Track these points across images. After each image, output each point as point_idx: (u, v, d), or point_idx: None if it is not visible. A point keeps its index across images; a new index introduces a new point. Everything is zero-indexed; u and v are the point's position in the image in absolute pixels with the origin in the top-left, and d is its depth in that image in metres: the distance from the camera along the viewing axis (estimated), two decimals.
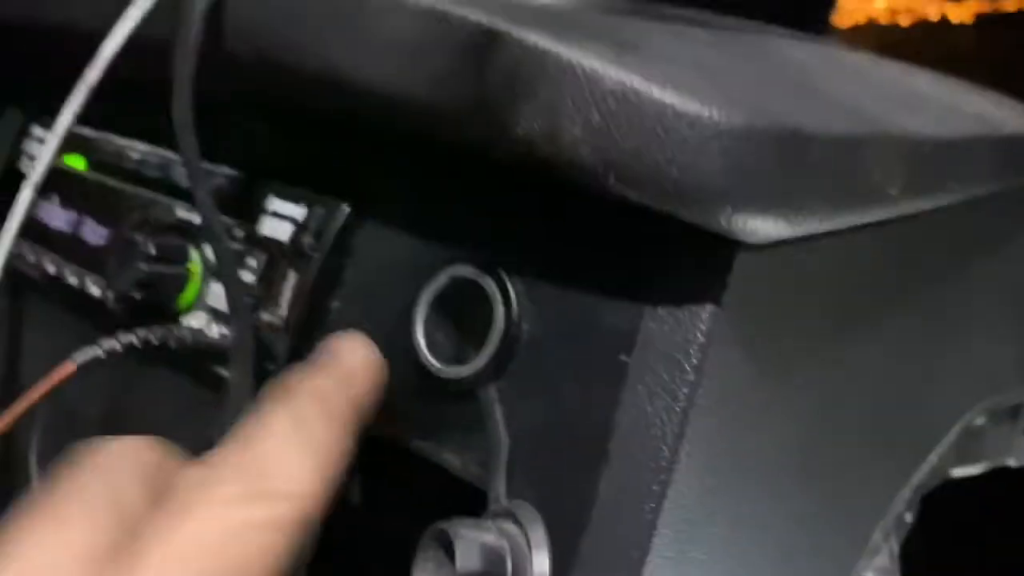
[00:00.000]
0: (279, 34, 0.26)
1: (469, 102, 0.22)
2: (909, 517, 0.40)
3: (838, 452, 0.30)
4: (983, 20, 1.52)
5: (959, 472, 0.44)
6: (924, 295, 0.33)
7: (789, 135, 0.20)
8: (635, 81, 0.20)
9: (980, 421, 0.42)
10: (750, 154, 0.20)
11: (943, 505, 0.43)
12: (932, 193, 0.27)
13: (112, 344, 0.28)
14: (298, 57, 0.26)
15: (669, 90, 0.20)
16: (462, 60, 0.22)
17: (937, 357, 0.35)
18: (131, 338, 0.28)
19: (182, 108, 0.27)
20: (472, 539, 0.21)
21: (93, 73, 0.29)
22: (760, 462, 0.26)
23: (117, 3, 0.28)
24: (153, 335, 0.28)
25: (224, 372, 0.30)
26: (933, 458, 0.38)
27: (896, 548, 0.38)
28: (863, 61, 0.37)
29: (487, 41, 0.22)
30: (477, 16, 0.22)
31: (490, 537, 0.22)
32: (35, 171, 0.31)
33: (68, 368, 0.27)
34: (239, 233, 0.31)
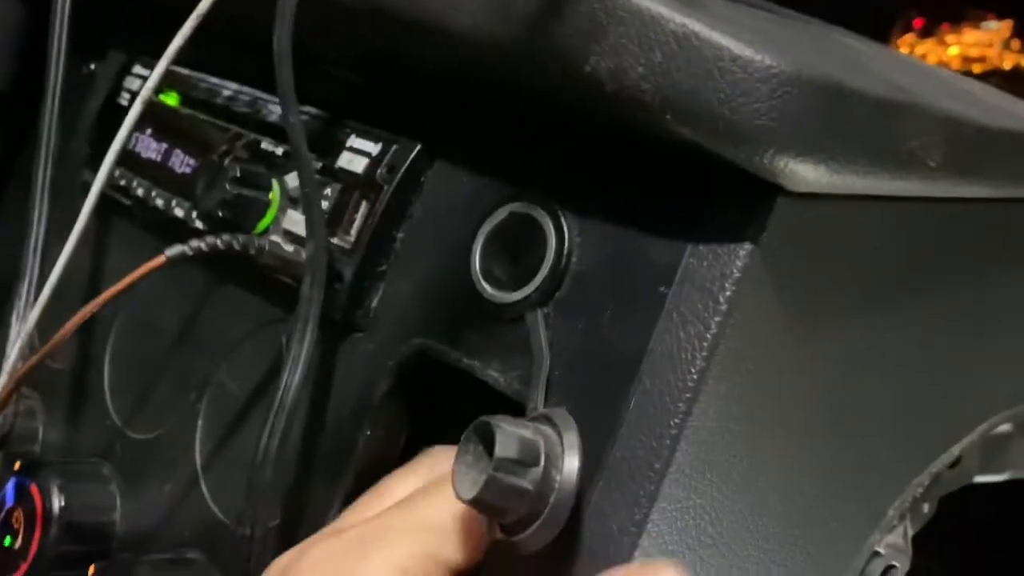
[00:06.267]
0: None
1: (544, 43, 0.25)
2: (927, 508, 0.41)
3: (859, 420, 0.31)
4: None
5: (982, 479, 0.44)
6: (958, 287, 0.34)
7: (833, 88, 0.22)
8: (696, 25, 0.22)
9: (1006, 429, 0.43)
10: (795, 100, 0.22)
11: (964, 510, 0.44)
12: (971, 175, 0.29)
13: (199, 244, 0.30)
14: (395, 3, 0.28)
15: (727, 36, 0.22)
16: (541, 5, 0.24)
17: (965, 351, 0.37)
18: (216, 241, 0.31)
19: (283, 41, 0.29)
20: (511, 431, 0.23)
21: (201, 7, 0.32)
22: (783, 407, 0.27)
23: None
24: (236, 241, 0.31)
25: (288, 281, 0.33)
26: (955, 451, 0.39)
27: (911, 532, 0.39)
28: (920, 62, 0.38)
29: None
30: None
31: (527, 432, 0.24)
32: (133, 109, 0.34)
33: (159, 259, 0.30)
34: (317, 164, 0.34)
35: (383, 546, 0.25)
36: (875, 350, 0.31)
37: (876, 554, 0.37)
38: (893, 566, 0.37)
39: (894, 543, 0.38)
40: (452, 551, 0.25)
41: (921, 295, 0.32)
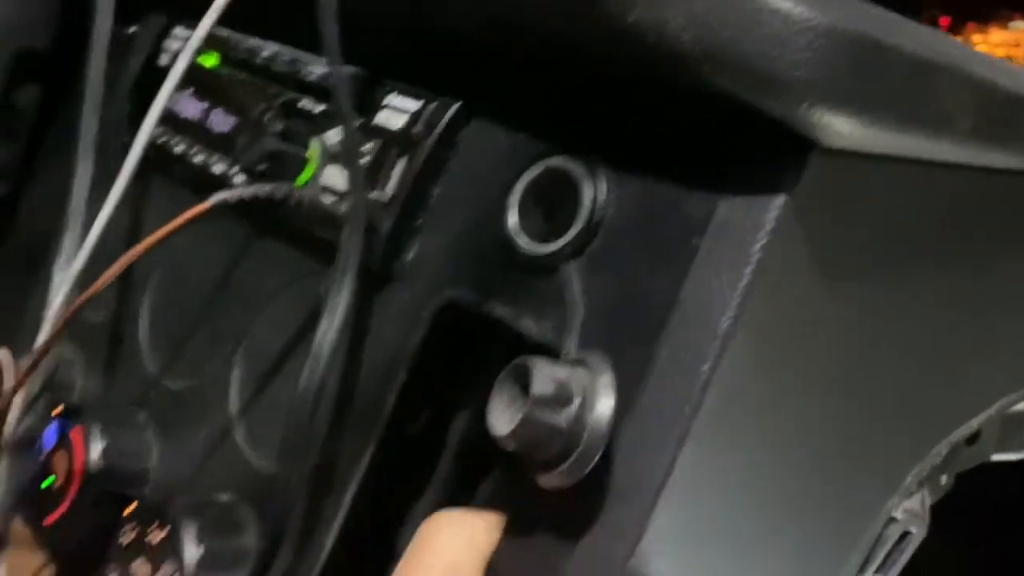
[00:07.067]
0: None
1: None
2: (945, 480, 0.41)
3: (882, 380, 0.32)
4: None
5: (998, 457, 0.45)
6: (985, 258, 0.35)
7: (868, 41, 0.23)
8: None
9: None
10: (832, 53, 0.22)
11: (983, 489, 0.44)
12: (1001, 142, 0.29)
13: (243, 192, 0.31)
14: None
15: None
16: None
17: (990, 323, 0.37)
18: (260, 190, 0.31)
19: None
20: (548, 371, 0.24)
21: None
22: (809, 361, 0.28)
23: None
24: (279, 190, 0.32)
25: (325, 235, 0.34)
26: (974, 423, 0.39)
27: (928, 501, 0.40)
28: (952, 38, 0.39)
29: None
30: None
31: (563, 373, 0.25)
32: (177, 68, 0.35)
33: (205, 204, 0.31)
34: (357, 121, 0.34)
35: None
36: (900, 313, 0.31)
37: (893, 519, 0.37)
38: (909, 532, 0.38)
39: (911, 509, 0.38)
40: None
41: (949, 262, 0.32)
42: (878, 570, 0.38)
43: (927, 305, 0.33)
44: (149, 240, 0.31)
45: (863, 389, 0.31)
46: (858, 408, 0.31)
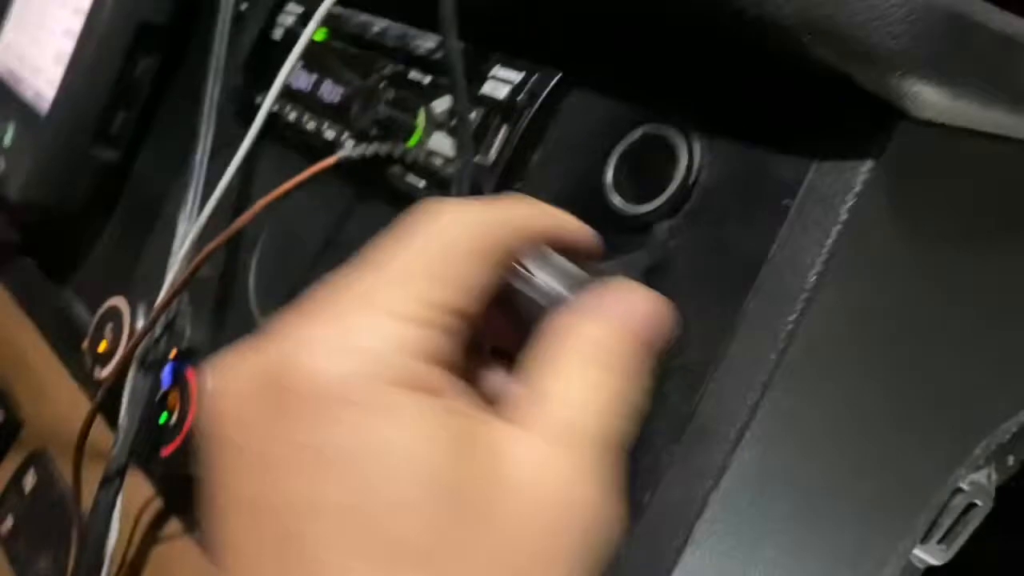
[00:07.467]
0: None
1: None
2: (1012, 461, 0.42)
3: (956, 351, 0.33)
4: None
5: None
6: None
7: (962, 18, 0.25)
8: None
9: None
10: (927, 26, 0.24)
11: None
12: None
13: (363, 149, 0.34)
14: None
15: None
16: None
17: None
18: (384, 147, 0.34)
19: None
20: None
21: None
22: (889, 320, 0.30)
23: None
24: (395, 149, 0.35)
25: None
26: None
27: (995, 479, 0.41)
28: None
29: None
30: None
31: None
32: (298, 44, 0.38)
33: (331, 159, 0.34)
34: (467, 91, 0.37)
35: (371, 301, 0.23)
36: (976, 283, 0.33)
37: (959, 490, 0.39)
38: (975, 504, 0.39)
39: (978, 482, 0.39)
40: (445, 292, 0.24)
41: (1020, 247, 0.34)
42: (942, 540, 0.39)
43: (1002, 280, 0.34)
44: (280, 190, 0.34)
45: (938, 355, 0.32)
46: (932, 374, 0.33)
